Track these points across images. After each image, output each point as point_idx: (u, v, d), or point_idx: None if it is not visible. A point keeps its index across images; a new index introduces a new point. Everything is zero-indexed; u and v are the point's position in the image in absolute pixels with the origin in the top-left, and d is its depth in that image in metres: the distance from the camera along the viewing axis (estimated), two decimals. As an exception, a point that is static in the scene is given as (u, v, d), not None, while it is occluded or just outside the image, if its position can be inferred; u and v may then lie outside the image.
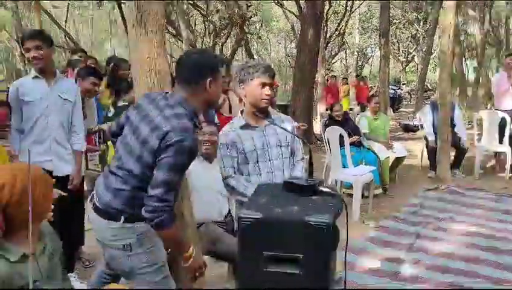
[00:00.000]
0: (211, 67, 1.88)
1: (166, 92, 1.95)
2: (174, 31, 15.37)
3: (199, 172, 2.85)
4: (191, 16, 17.25)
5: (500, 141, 6.19)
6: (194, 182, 2.67)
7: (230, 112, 6.88)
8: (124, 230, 1.87)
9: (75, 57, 5.42)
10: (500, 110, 6.28)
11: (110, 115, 4.83)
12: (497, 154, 6.62)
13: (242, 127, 2.36)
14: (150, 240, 1.91)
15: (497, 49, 20.08)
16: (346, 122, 5.65)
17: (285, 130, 2.33)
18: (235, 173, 2.36)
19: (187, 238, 2.41)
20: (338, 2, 18.12)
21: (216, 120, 6.72)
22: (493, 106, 7.14)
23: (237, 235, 1.66)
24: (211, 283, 2.86)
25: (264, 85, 2.26)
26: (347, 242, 1.97)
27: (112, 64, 5.40)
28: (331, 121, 5.66)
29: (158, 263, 1.96)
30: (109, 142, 4.74)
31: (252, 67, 2.28)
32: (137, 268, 1.91)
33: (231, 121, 2.46)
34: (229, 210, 3.02)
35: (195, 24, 18.26)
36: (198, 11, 16.10)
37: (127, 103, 4.70)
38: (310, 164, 1.84)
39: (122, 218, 1.85)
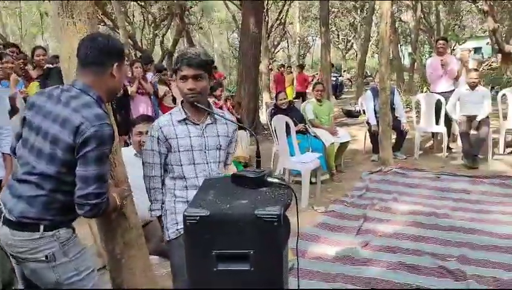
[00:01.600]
0: (117, 51, 1.79)
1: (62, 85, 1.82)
2: (111, 23, 14.77)
3: (136, 171, 2.72)
4: (129, 7, 16.64)
5: (437, 122, 6.47)
6: (134, 181, 2.54)
7: (174, 102, 6.72)
8: (45, 240, 1.70)
9: (7, 51, 5.09)
10: (436, 93, 6.56)
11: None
12: (434, 135, 6.93)
13: (180, 122, 2.08)
14: (74, 246, 1.79)
15: (429, 34, 21.04)
16: (291, 110, 5.67)
17: (232, 121, 2.23)
18: (161, 175, 2.15)
19: (131, 239, 2.29)
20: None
21: (160, 112, 6.54)
22: (428, 90, 7.45)
23: (184, 234, 1.57)
24: (162, 282, 2.76)
25: (185, 78, 1.99)
26: (298, 233, 1.94)
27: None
28: (276, 109, 5.65)
29: (87, 269, 1.83)
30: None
31: (177, 57, 2.05)
32: (64, 279, 1.75)
33: (169, 112, 2.18)
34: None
35: (133, 16, 17.65)
36: (135, 1, 15.56)
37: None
38: (258, 155, 1.77)
39: (42, 227, 1.69)
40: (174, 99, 6.42)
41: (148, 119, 3.11)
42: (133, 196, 2.31)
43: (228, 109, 6.39)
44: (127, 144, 4.03)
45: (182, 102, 2.14)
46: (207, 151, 2.10)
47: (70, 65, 2.05)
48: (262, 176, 1.67)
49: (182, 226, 1.78)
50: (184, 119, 2.07)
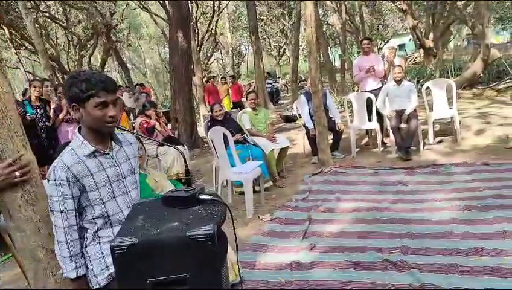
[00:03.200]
0: None
1: None
2: (32, 47, 14.04)
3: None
4: (50, 29, 15.91)
5: (369, 119, 6.70)
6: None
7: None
8: None
9: None
10: (366, 91, 6.80)
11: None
12: (368, 132, 7.17)
13: (89, 155, 1.83)
14: None
15: (355, 35, 21.96)
16: (227, 121, 5.63)
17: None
18: (77, 222, 1.85)
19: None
20: (205, 2, 18.21)
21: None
22: (359, 89, 7.71)
23: (113, 266, 1.46)
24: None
25: (105, 105, 1.76)
26: (237, 245, 1.88)
27: None
28: (212, 121, 5.59)
29: None
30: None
31: (86, 82, 1.73)
32: None
33: (70, 148, 1.85)
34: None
35: (56, 37, 16.90)
36: (57, 23, 14.91)
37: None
38: (187, 173, 1.70)
39: None
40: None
41: None
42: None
43: (164, 126, 6.24)
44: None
45: (79, 131, 1.88)
46: (124, 180, 1.93)
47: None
48: (194, 194, 1.61)
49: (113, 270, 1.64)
50: (93, 152, 1.84)
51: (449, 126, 6.95)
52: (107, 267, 1.87)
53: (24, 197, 2.05)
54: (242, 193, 4.94)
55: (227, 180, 5.15)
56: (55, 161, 1.82)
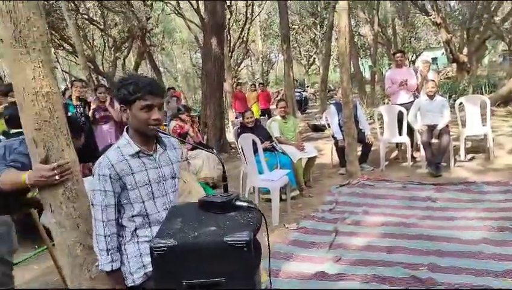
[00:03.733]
0: None
1: None
2: (70, 47, 14.50)
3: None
4: (88, 31, 16.41)
5: (400, 133, 6.64)
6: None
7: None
8: None
9: None
10: (397, 104, 6.74)
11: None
12: (398, 145, 7.09)
13: (133, 155, 1.89)
14: None
15: (387, 47, 21.75)
16: (257, 128, 5.68)
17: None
18: (116, 217, 1.90)
19: (98, 274, 2.21)
20: (238, 10, 18.41)
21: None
22: (389, 101, 7.65)
23: (152, 266, 1.51)
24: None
25: (150, 108, 1.84)
26: (269, 254, 1.91)
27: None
28: (243, 128, 5.65)
29: None
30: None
31: (133, 84, 1.82)
32: None
33: (116, 146, 1.92)
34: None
35: (93, 39, 17.40)
36: (95, 25, 15.37)
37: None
38: (224, 179, 1.74)
39: None
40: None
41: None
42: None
43: (197, 131, 6.35)
44: (90, 171, 3.92)
45: (127, 131, 1.95)
46: (164, 183, 1.98)
47: (25, 97, 1.98)
48: (230, 200, 1.65)
49: (150, 269, 1.69)
50: (137, 153, 1.90)
51: (482, 143, 6.80)
52: (144, 266, 1.92)
53: (65, 194, 2.14)
54: (268, 200, 4.97)
55: (254, 187, 5.18)
56: (100, 157, 1.90)
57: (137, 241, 1.93)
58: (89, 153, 4.03)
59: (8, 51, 1.96)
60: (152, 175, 1.93)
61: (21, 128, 3.14)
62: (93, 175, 1.87)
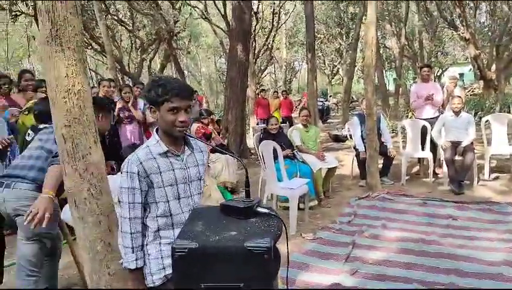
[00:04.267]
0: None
1: None
2: (98, 47, 14.81)
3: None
4: (116, 32, 16.73)
5: (423, 148, 6.54)
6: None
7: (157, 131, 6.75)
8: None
9: None
10: (421, 119, 6.65)
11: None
12: (420, 160, 6.99)
13: (161, 155, 1.93)
14: None
15: (413, 61, 21.52)
16: (279, 136, 5.68)
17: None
18: (142, 216, 1.93)
19: (117, 271, 2.24)
20: (264, 17, 18.50)
21: (145, 140, 6.54)
22: (413, 115, 7.55)
23: (172, 266, 1.53)
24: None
25: (177, 110, 1.87)
26: (288, 264, 1.91)
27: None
28: (265, 134, 5.67)
29: None
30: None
31: (162, 86, 1.86)
32: None
33: (145, 145, 1.97)
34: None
35: (121, 40, 17.73)
36: (123, 26, 15.66)
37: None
38: (247, 185, 1.76)
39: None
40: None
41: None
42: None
43: (218, 133, 6.41)
44: (113, 169, 3.98)
45: (157, 132, 1.98)
46: (190, 184, 2.00)
47: (57, 94, 2.03)
48: (252, 206, 1.66)
49: (170, 272, 1.70)
50: (166, 152, 1.94)
51: (507, 163, 6.66)
52: (164, 268, 1.93)
53: (90, 191, 2.19)
54: (286, 208, 4.96)
55: (272, 194, 5.18)
56: (129, 155, 1.93)
57: (160, 243, 1.95)
58: (113, 152, 4.11)
59: (44, 48, 2.03)
60: (179, 175, 1.95)
61: (48, 123, 3.25)
62: (122, 173, 1.91)
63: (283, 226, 1.62)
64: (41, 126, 4.46)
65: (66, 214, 2.82)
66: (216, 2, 16.13)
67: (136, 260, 1.91)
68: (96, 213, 2.21)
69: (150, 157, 1.90)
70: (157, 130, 1.99)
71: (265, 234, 1.50)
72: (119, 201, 1.93)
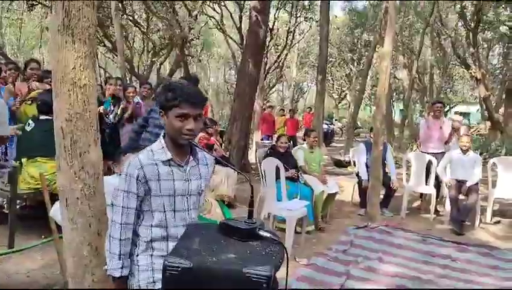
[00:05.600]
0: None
1: None
2: (110, 45, 14.82)
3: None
4: (130, 32, 16.77)
5: (426, 183, 6.43)
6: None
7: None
8: None
9: None
10: (427, 153, 6.56)
11: (28, 128, 4.37)
12: (422, 195, 6.87)
13: (164, 162, 1.81)
14: None
15: (421, 94, 21.54)
16: (287, 155, 5.56)
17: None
18: (134, 222, 1.81)
19: (101, 277, 2.11)
20: (279, 34, 18.58)
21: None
22: (418, 148, 7.46)
23: (162, 284, 1.41)
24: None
25: (185, 117, 1.76)
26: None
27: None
28: (272, 151, 5.56)
29: None
30: (24, 160, 4.26)
31: (172, 91, 1.77)
32: None
33: (149, 149, 1.86)
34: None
35: (133, 41, 17.77)
36: (138, 27, 15.70)
37: (50, 117, 4.28)
38: (251, 204, 1.64)
39: None
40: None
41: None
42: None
43: (220, 145, 6.32)
44: (109, 169, 3.87)
45: (163, 137, 1.87)
46: (189, 197, 1.87)
47: (62, 85, 1.94)
48: (254, 228, 1.54)
49: (160, 287, 1.58)
50: (169, 160, 1.82)
51: (510, 208, 6.53)
52: (154, 282, 1.80)
53: (84, 191, 2.08)
54: (282, 229, 4.82)
55: (269, 213, 5.05)
56: (132, 157, 1.84)
57: (152, 255, 1.82)
58: (111, 151, 4.00)
59: (54, 37, 1.94)
60: (178, 186, 1.83)
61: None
62: (120, 174, 1.83)
63: (285, 254, 1.51)
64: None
65: (56, 211, 2.70)
66: (233, 14, 16.21)
67: (122, 268, 1.79)
68: (87, 215, 2.09)
69: (151, 163, 1.79)
70: (163, 135, 1.88)
71: (266, 261, 1.38)
72: (112, 204, 1.82)
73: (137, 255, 1.83)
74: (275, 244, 1.52)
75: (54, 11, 1.94)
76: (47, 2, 12.16)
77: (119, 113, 5.55)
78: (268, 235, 1.53)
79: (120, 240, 1.78)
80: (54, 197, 2.93)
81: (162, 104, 1.80)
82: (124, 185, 1.78)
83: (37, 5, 12.57)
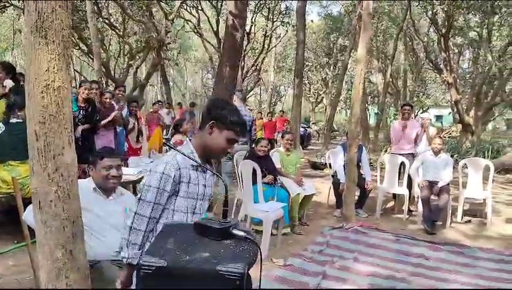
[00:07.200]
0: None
1: None
2: (86, 48, 14.61)
3: (95, 207, 2.58)
4: (106, 36, 16.57)
5: (399, 183, 6.57)
6: (87, 217, 2.37)
7: (138, 140, 6.58)
8: None
9: None
10: (398, 154, 6.72)
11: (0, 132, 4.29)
12: (396, 196, 7.02)
13: (194, 167, 1.98)
14: None
15: (395, 98, 21.96)
16: (266, 159, 5.57)
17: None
18: (158, 218, 1.95)
19: (75, 280, 2.10)
20: (256, 38, 18.67)
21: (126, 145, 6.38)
22: (389, 150, 7.64)
23: (135, 284, 1.43)
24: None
25: (233, 143, 2.01)
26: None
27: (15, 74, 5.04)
28: (251, 155, 5.57)
29: None
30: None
31: (238, 117, 1.97)
32: None
33: (182, 153, 1.96)
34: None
35: (109, 44, 17.56)
36: (114, 30, 15.54)
37: (21, 120, 4.21)
38: (225, 204, 1.68)
39: None
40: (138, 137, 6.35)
41: (114, 151, 2.98)
42: (84, 235, 2.14)
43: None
44: (84, 173, 3.83)
45: (190, 141, 2.06)
46: (204, 202, 2.07)
47: (35, 87, 1.92)
48: (228, 227, 1.57)
49: None
50: (197, 166, 1.98)
51: (479, 208, 6.74)
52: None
53: (58, 193, 2.06)
54: (259, 231, 4.85)
55: (246, 215, 5.07)
56: (168, 157, 1.97)
57: None
58: (86, 155, 3.96)
59: (28, 38, 1.93)
60: (201, 191, 2.01)
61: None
62: (151, 171, 1.94)
63: (259, 253, 1.54)
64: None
65: (29, 215, 2.66)
66: (210, 18, 16.21)
67: (138, 257, 1.89)
68: (61, 218, 2.07)
69: (186, 166, 1.95)
70: (189, 139, 2.08)
71: (239, 259, 1.41)
72: (141, 199, 1.92)
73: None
74: (249, 243, 1.56)
75: (27, 12, 1.93)
76: (19, 3, 11.92)
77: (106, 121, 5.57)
78: (242, 234, 1.56)
79: (144, 231, 1.91)
80: (26, 202, 2.89)
81: (219, 118, 1.93)
82: (159, 183, 1.90)
83: (9, 6, 12.30)
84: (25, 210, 3.12)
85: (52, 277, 2.10)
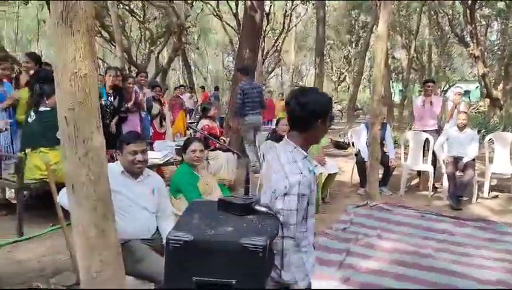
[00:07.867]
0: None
1: None
2: (108, 36, 14.82)
3: (124, 189, 2.69)
4: (127, 22, 16.74)
5: (424, 161, 6.52)
6: (117, 198, 2.48)
7: (161, 124, 6.73)
8: None
9: None
10: (421, 131, 6.65)
11: (30, 120, 4.46)
12: (420, 173, 6.97)
13: (304, 162, 1.90)
14: None
15: (420, 74, 21.50)
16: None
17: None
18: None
19: (108, 258, 2.22)
20: (276, 18, 18.50)
21: (151, 130, 6.52)
22: (413, 127, 7.56)
23: (165, 257, 1.52)
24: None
25: (326, 132, 2.11)
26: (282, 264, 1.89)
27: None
28: (273, 136, 5.62)
29: None
30: (28, 150, 4.37)
31: (331, 109, 2.06)
32: None
33: (293, 161, 1.88)
34: (157, 228, 2.85)
35: (130, 30, 17.74)
36: (134, 17, 15.67)
37: (49, 108, 4.37)
38: (247, 181, 1.74)
39: None
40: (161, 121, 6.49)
41: (139, 137, 3.06)
42: (114, 215, 2.25)
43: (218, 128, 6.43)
44: (112, 157, 3.97)
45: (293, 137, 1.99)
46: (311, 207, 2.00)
47: (63, 76, 2.01)
48: (250, 203, 1.64)
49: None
50: (305, 157, 1.92)
51: (507, 183, 6.64)
52: (307, 275, 1.90)
53: (89, 176, 2.17)
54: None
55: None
56: (298, 176, 1.84)
57: (299, 250, 1.89)
58: (115, 141, 4.09)
59: (54, 29, 2.01)
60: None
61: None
62: (286, 194, 1.79)
63: (280, 227, 1.61)
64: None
65: (63, 198, 2.81)
66: (228, 0, 16.15)
67: None
68: (93, 198, 2.18)
69: (305, 175, 1.83)
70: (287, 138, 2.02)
71: (261, 233, 1.48)
72: (284, 224, 1.77)
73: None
74: (270, 218, 1.62)
75: (52, 3, 2.01)
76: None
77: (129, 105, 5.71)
78: (263, 209, 1.63)
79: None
80: (58, 186, 3.04)
81: (324, 114, 1.96)
82: (297, 204, 1.78)
83: (30, -1, 12.53)
84: (58, 194, 3.28)
85: (86, 254, 2.23)
